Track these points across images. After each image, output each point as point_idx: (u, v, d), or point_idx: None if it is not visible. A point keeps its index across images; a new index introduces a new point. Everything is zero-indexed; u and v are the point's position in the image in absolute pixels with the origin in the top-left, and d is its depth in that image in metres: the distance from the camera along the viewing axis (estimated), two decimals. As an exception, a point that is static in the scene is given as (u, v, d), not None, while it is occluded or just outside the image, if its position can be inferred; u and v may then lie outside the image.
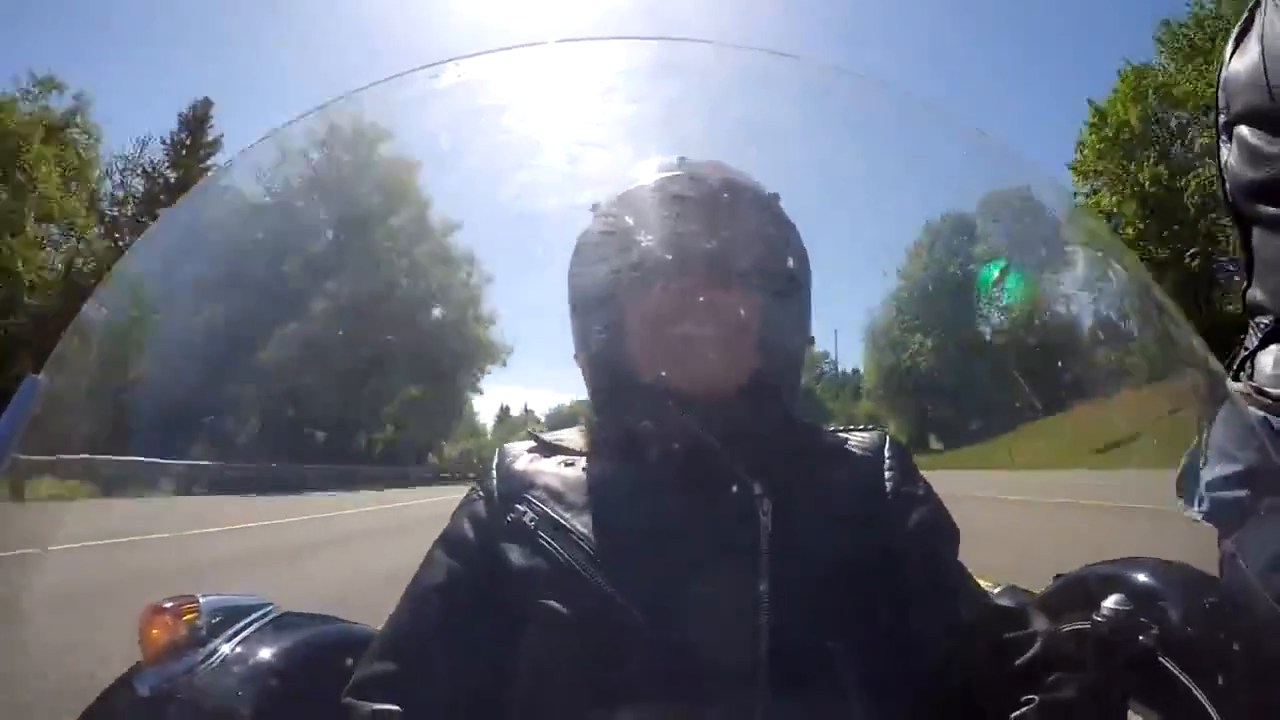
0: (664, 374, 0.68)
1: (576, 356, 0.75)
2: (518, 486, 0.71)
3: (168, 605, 0.75)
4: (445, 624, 0.67)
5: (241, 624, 0.79)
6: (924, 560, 0.67)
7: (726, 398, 0.68)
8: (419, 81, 0.70)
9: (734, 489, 0.64)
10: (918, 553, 0.67)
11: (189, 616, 0.75)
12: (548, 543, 0.65)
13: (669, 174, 0.71)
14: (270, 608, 0.84)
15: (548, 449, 0.74)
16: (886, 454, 0.72)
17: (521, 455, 0.75)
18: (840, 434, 0.75)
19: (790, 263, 0.73)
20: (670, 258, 0.68)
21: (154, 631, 0.73)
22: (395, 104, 0.72)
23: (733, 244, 0.68)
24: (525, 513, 0.67)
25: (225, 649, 0.75)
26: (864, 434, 0.75)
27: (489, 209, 0.76)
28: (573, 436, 0.75)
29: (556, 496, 0.68)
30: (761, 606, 0.59)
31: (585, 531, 0.64)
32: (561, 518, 0.66)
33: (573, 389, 0.84)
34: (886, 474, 0.70)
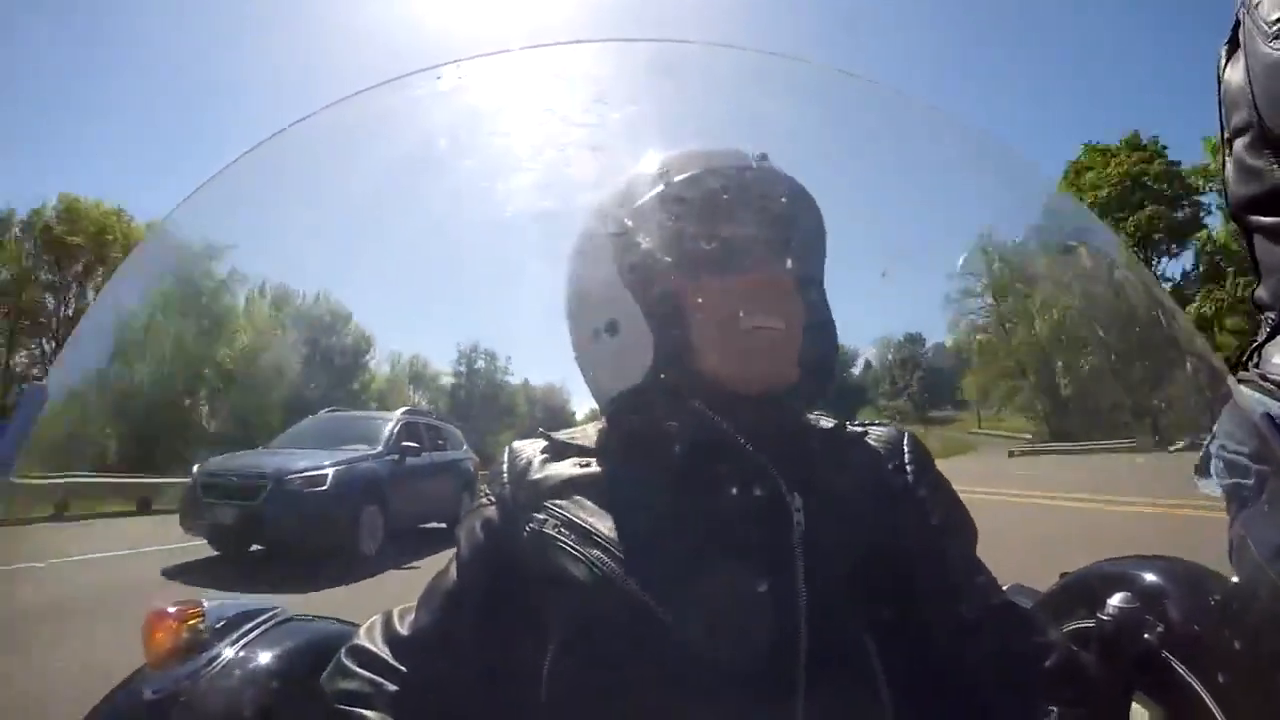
0: (709, 371, 0.65)
1: (578, 357, 0.72)
2: (533, 491, 0.67)
3: (172, 609, 0.75)
4: (462, 632, 0.67)
5: (246, 628, 0.79)
6: (946, 558, 0.66)
7: (755, 396, 0.66)
8: (418, 84, 0.70)
9: (765, 487, 0.62)
10: (941, 550, 0.66)
11: (193, 620, 0.75)
12: (572, 549, 0.62)
13: (713, 167, 0.67)
14: (275, 611, 0.83)
15: (560, 449, 0.70)
16: (905, 449, 0.71)
17: (535, 456, 0.70)
18: (858, 429, 0.74)
19: (819, 258, 0.71)
20: (714, 254, 0.65)
21: (158, 635, 0.73)
22: (391, 106, 0.72)
23: (779, 240, 0.67)
24: (546, 520, 0.64)
25: (229, 653, 0.75)
26: (881, 429, 0.73)
27: (485, 212, 0.76)
28: (587, 435, 0.72)
29: (577, 502, 0.65)
30: (801, 606, 0.58)
31: (614, 537, 0.61)
32: (586, 523, 0.63)
33: (572, 389, 0.83)
34: (907, 469, 0.70)
